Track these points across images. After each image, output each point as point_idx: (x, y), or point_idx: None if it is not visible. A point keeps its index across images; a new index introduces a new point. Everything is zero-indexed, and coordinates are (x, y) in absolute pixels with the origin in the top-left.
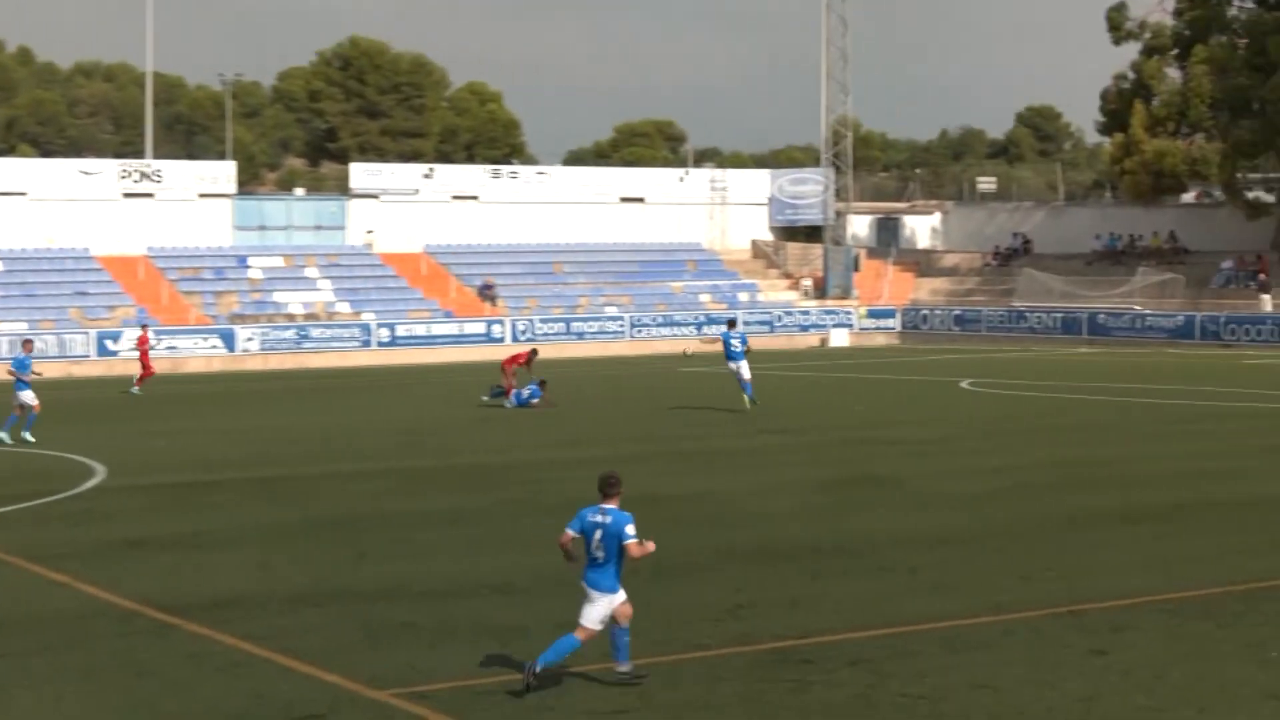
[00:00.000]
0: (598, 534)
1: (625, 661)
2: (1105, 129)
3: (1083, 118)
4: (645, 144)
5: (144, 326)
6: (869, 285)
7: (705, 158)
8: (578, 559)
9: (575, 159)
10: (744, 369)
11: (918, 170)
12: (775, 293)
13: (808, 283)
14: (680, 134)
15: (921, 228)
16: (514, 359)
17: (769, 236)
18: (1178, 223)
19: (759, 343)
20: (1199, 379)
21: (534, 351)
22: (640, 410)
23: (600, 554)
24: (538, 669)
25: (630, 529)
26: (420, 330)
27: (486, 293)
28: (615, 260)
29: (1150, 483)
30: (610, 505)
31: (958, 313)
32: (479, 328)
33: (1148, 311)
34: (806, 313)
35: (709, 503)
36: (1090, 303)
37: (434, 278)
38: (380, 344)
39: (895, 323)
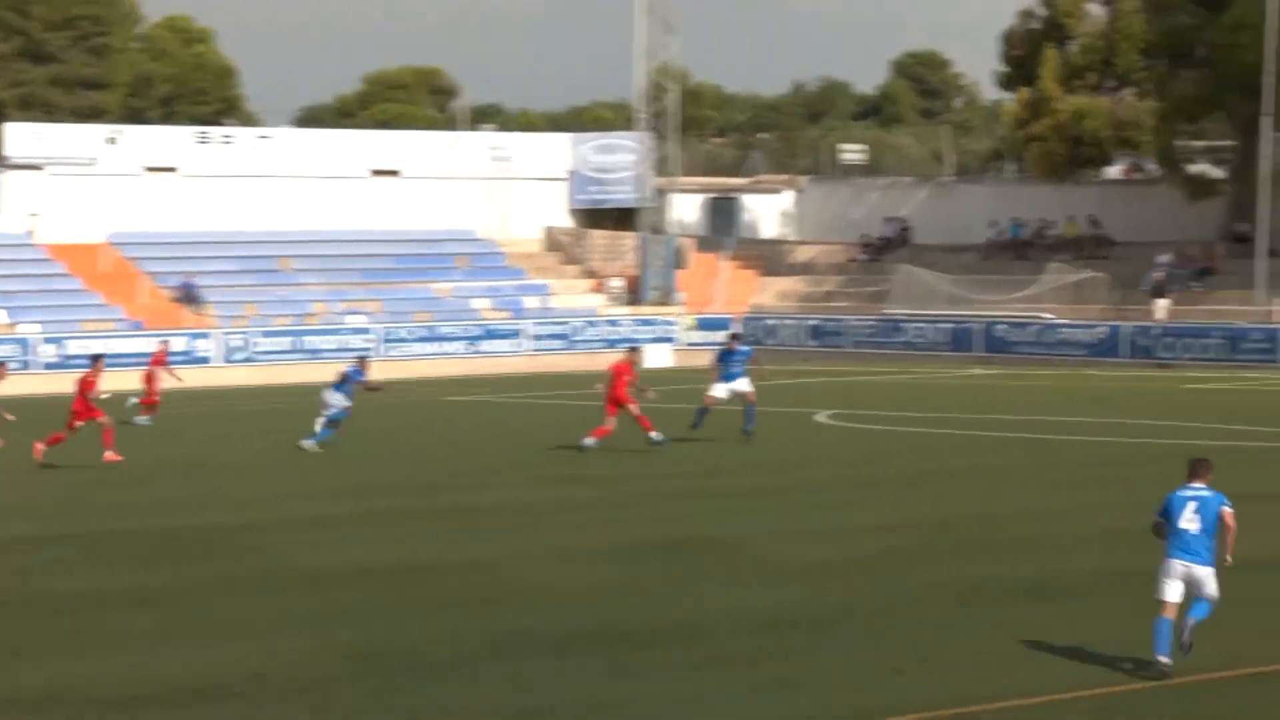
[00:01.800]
0: None
1: None
2: (1007, 82)
3: (978, 67)
4: (403, 99)
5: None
6: (698, 287)
7: (484, 118)
8: None
9: (310, 119)
10: (741, 384)
11: (763, 135)
12: (574, 296)
13: (617, 283)
14: (450, 86)
15: (768, 211)
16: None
17: (567, 222)
18: (1101, 205)
19: (550, 362)
20: (1128, 409)
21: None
22: (392, 452)
23: None
24: None
25: None
26: (99, 346)
27: (188, 296)
28: (362, 254)
29: (1065, 546)
30: None
31: (814, 323)
32: (178, 343)
33: (1061, 321)
34: (615, 323)
35: (486, 575)
36: (987, 309)
37: (119, 277)
38: (47, 365)
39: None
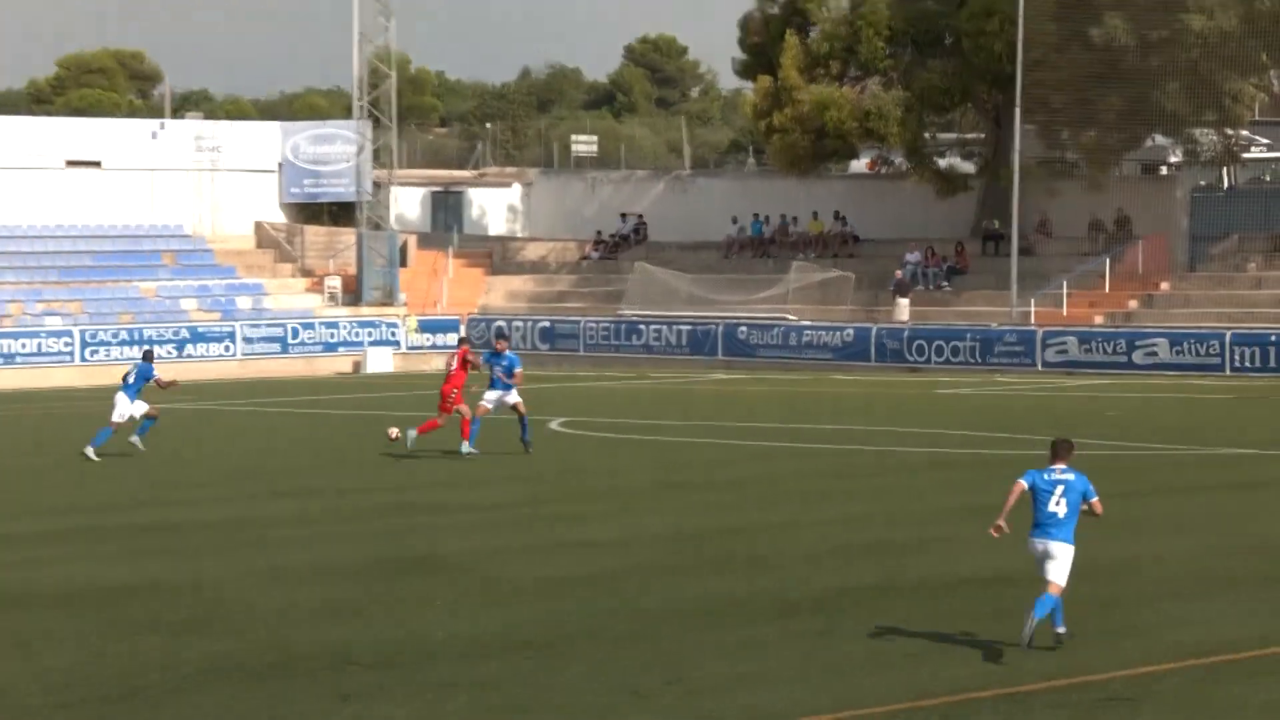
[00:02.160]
0: None
1: None
2: (746, 71)
3: (716, 55)
4: (102, 84)
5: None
6: (422, 286)
7: (189, 105)
8: None
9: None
10: (510, 397)
11: (490, 125)
12: (289, 297)
13: (335, 283)
14: (153, 71)
15: (495, 206)
16: None
17: (280, 217)
18: (846, 200)
19: (264, 368)
20: (877, 416)
21: None
22: (98, 466)
23: None
24: None
25: None
26: None
27: None
28: (59, 251)
29: (811, 560)
30: None
31: (545, 324)
32: None
33: (805, 323)
34: (333, 325)
35: (199, 596)
36: (728, 310)
37: None
38: None
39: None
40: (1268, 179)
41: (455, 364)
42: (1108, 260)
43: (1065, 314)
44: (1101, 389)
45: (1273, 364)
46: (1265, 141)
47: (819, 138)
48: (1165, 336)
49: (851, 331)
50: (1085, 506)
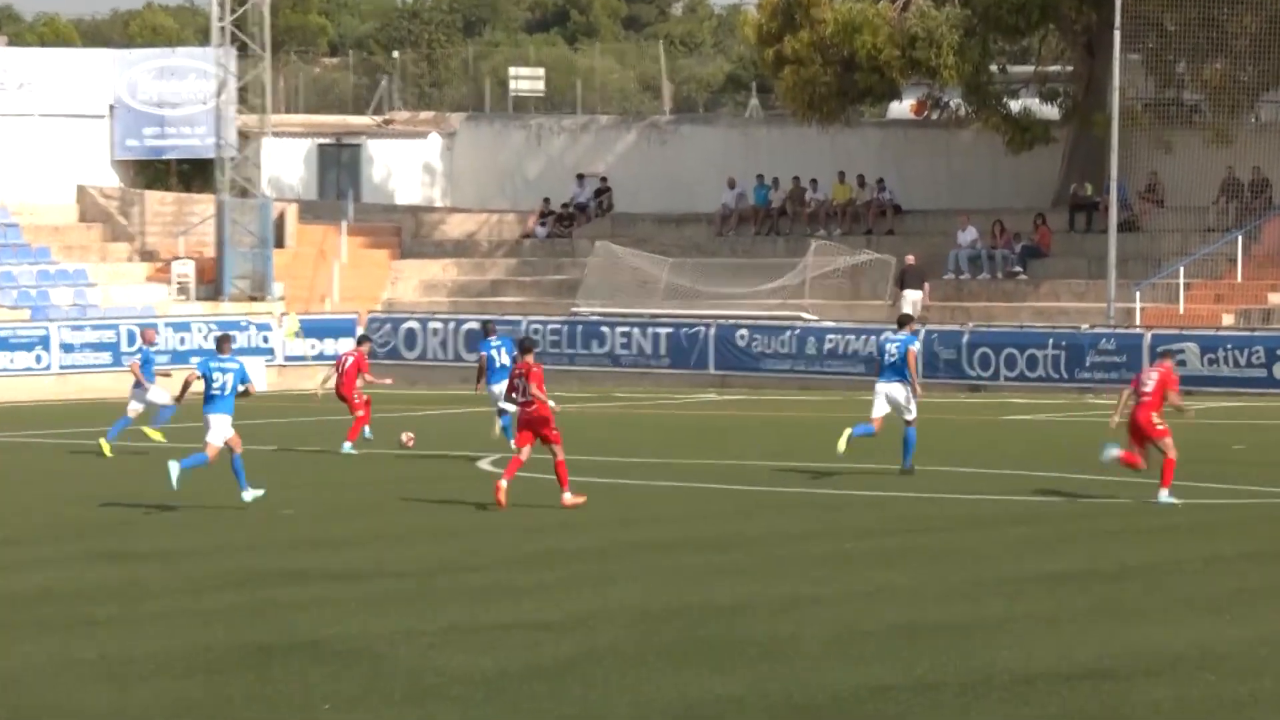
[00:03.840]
0: None
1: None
2: None
3: None
4: None
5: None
6: (305, 275)
7: None
8: None
9: None
10: (908, 402)
11: (398, 55)
12: (124, 288)
13: (185, 269)
14: None
15: (405, 164)
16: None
17: (112, 180)
18: (884, 157)
19: (84, 385)
20: (922, 451)
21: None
22: None
23: None
24: None
25: None
26: None
27: None
28: None
29: (836, 647)
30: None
31: (473, 326)
32: None
33: (829, 325)
34: (184, 327)
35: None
36: (723, 307)
37: None
38: None
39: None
40: None
41: (349, 364)
42: (1240, 238)
43: (1182, 312)
44: (1231, 413)
45: None
46: None
47: (846, 71)
48: None
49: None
50: None
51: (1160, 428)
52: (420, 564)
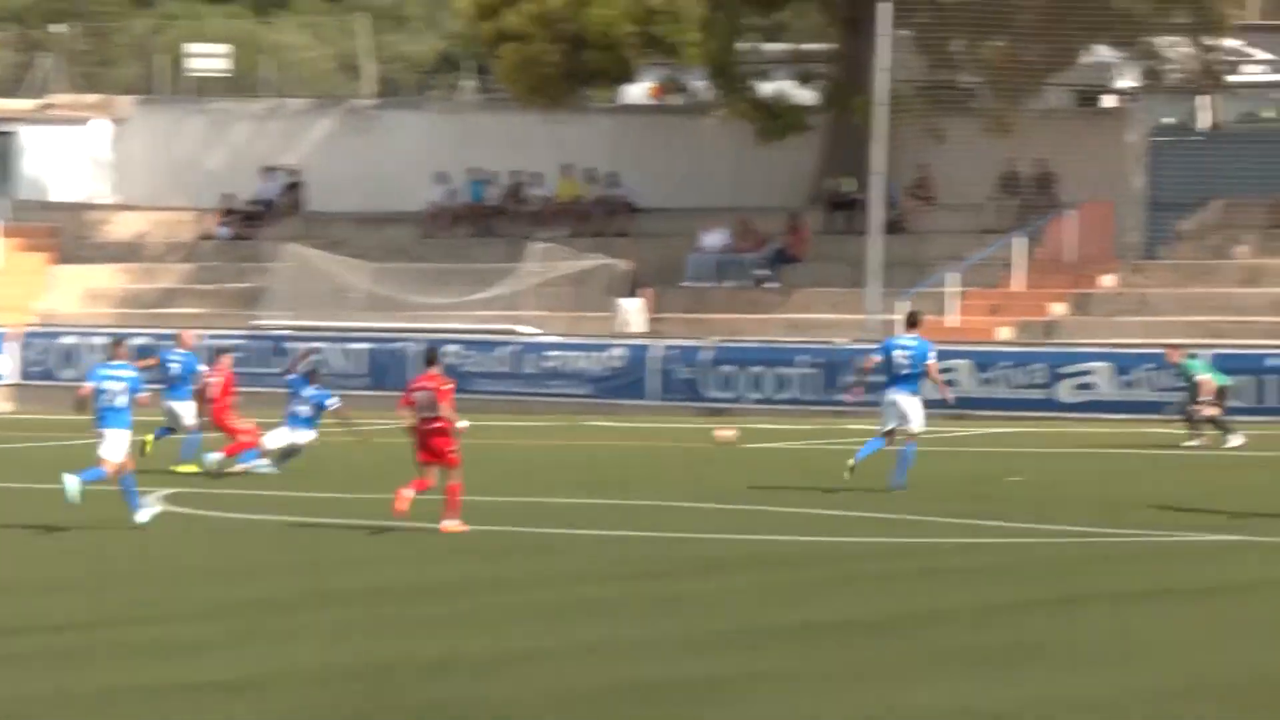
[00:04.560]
0: None
1: None
2: None
3: None
4: None
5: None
6: None
7: None
8: None
9: None
10: (914, 413)
11: (58, 29)
12: None
13: None
14: None
15: (65, 154)
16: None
17: None
18: (618, 148)
19: None
20: (657, 484)
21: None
22: None
23: None
24: None
25: None
26: None
27: None
28: None
29: (559, 709)
30: None
31: (143, 341)
32: None
33: (552, 339)
34: None
35: None
36: (430, 319)
37: None
38: None
39: (7, 365)
40: (1271, 115)
41: (214, 387)
42: (1021, 240)
43: (956, 324)
44: (1007, 440)
45: (1272, 401)
46: (1266, 57)
47: (575, 49)
48: (1107, 359)
49: (622, 352)
50: None
51: None
52: (76, 617)
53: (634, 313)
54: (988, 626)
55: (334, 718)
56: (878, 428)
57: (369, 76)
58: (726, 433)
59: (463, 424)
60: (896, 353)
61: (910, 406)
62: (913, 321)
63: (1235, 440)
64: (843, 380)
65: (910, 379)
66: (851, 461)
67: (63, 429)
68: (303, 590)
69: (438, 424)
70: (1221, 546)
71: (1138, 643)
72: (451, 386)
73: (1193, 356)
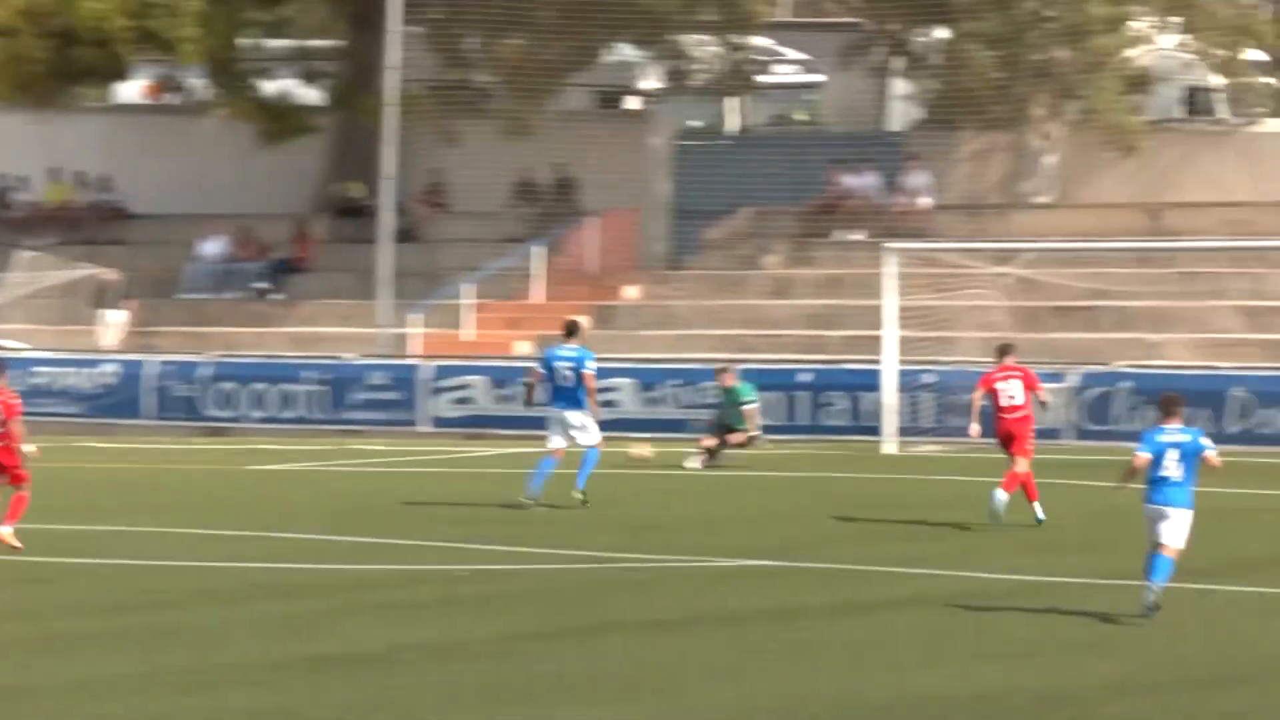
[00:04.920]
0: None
1: None
2: None
3: None
4: None
5: None
6: None
7: None
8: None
9: None
10: (585, 425)
11: None
12: None
13: None
14: None
15: None
16: None
17: None
18: (109, 151)
19: None
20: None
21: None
22: None
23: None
24: None
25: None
26: None
27: None
28: None
29: None
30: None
31: None
32: None
33: (38, 355)
34: None
35: None
36: None
37: None
38: None
39: None
40: (803, 118)
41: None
42: (540, 250)
43: (472, 338)
44: (529, 460)
45: (802, 418)
46: (796, 57)
47: (65, 45)
48: (631, 375)
49: (115, 369)
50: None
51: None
52: None
53: (116, 326)
54: (508, 657)
55: None
56: (546, 446)
57: None
58: (642, 450)
59: (31, 448)
60: (559, 364)
61: (578, 420)
62: (571, 330)
63: (693, 463)
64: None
65: (575, 392)
66: (575, 492)
67: None
68: None
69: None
70: (747, 571)
71: (665, 674)
72: (18, 404)
73: (744, 381)
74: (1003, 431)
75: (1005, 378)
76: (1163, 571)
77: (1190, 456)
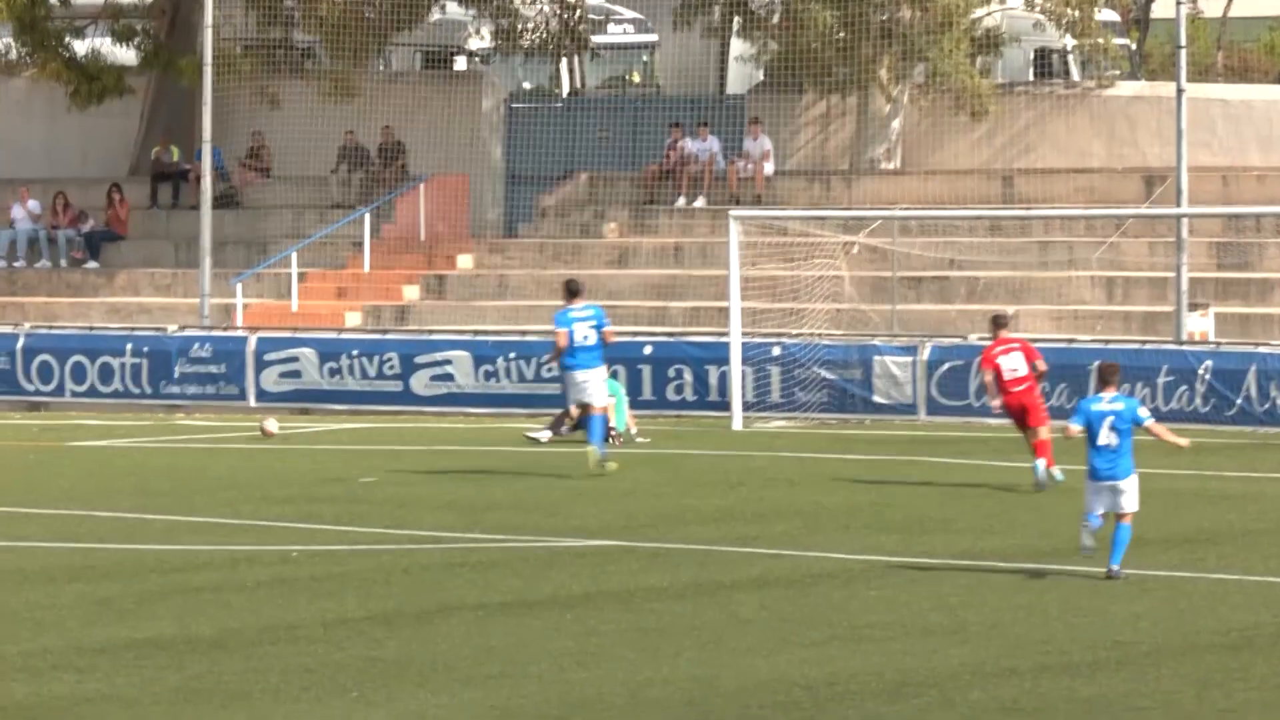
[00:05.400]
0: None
1: None
2: None
3: None
4: None
5: None
6: None
7: None
8: None
9: None
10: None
11: None
12: None
13: None
14: None
15: None
16: None
17: None
18: None
19: None
20: None
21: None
22: None
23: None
24: None
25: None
26: None
27: None
28: None
29: None
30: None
31: None
32: None
33: None
34: None
35: None
36: None
37: None
38: None
39: None
40: (635, 79)
41: None
42: (367, 217)
43: (296, 309)
44: (358, 436)
45: (647, 393)
46: (632, 16)
47: None
48: (466, 348)
49: None
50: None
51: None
52: None
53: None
54: (345, 641)
55: None
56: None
57: None
58: (270, 426)
59: None
60: (579, 324)
61: (599, 377)
62: (574, 290)
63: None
64: (180, 371)
65: (595, 351)
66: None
67: None
68: None
69: None
70: (590, 551)
71: (508, 659)
72: None
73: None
74: (1014, 406)
75: (1005, 351)
76: (1124, 542)
77: (1127, 423)
